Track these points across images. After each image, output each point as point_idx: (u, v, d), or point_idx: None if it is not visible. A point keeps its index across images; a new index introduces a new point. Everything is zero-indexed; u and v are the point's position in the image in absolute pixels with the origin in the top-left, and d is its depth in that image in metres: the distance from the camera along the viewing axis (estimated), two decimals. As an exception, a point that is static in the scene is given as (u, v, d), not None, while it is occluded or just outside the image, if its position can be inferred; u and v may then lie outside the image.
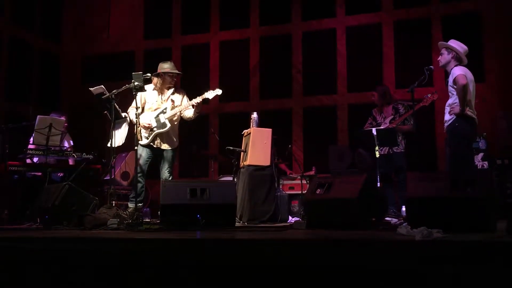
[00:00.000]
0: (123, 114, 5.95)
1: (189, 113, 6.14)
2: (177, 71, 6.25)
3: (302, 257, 3.01)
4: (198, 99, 5.99)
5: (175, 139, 6.20)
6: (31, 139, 7.16)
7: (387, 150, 6.89)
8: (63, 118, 7.10)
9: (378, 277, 2.75)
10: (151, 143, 6.08)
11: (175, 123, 6.22)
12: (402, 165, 6.81)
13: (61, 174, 7.08)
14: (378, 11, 9.54)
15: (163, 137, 6.11)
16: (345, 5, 9.73)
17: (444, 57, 5.59)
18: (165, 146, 6.12)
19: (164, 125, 6.05)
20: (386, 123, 6.88)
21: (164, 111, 6.09)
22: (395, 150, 6.84)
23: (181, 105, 6.13)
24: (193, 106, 6.05)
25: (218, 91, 6.07)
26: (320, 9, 9.90)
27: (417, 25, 9.24)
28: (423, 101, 6.40)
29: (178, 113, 6.14)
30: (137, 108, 5.54)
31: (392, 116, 6.90)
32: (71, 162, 7.22)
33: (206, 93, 6.04)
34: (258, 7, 10.27)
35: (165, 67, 6.16)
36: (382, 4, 9.52)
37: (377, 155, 6.14)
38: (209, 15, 10.59)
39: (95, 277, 3.19)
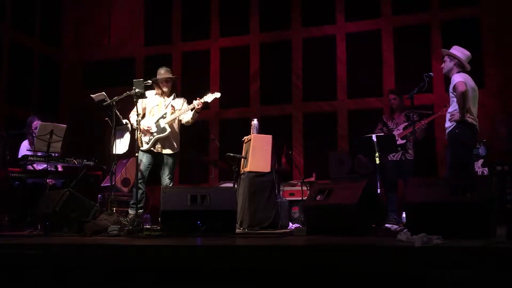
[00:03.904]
0: (124, 121, 5.97)
1: (187, 117, 6.15)
2: (170, 75, 6.25)
3: (303, 263, 3.02)
4: (198, 103, 5.99)
5: (176, 144, 6.20)
6: (26, 142, 7.19)
7: (399, 156, 6.90)
8: (64, 125, 7.10)
9: (378, 283, 2.75)
10: (152, 148, 6.09)
11: (176, 128, 6.22)
12: (410, 172, 6.80)
13: (62, 181, 7.08)
14: (378, 18, 9.57)
15: (164, 142, 6.12)
16: (345, 11, 9.76)
17: (447, 65, 5.63)
18: (166, 151, 6.13)
19: (164, 130, 6.07)
20: (399, 130, 6.91)
21: (164, 116, 6.11)
22: (407, 157, 6.85)
23: (181, 109, 6.14)
24: (191, 109, 6.07)
25: (217, 94, 6.08)
26: (320, 16, 9.93)
27: (416, 31, 9.26)
28: (443, 111, 6.40)
29: (178, 118, 6.16)
30: (138, 114, 5.56)
31: (406, 124, 6.91)
32: (72, 168, 7.21)
33: (205, 97, 6.04)
34: (258, 13, 10.30)
35: (162, 72, 6.23)
36: (382, 10, 9.54)
37: (377, 161, 6.17)
38: (209, 22, 10.62)
39: (95, 283, 3.19)
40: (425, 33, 9.17)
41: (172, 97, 6.24)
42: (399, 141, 6.89)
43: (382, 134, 6.85)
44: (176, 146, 6.21)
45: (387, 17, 9.50)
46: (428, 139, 8.62)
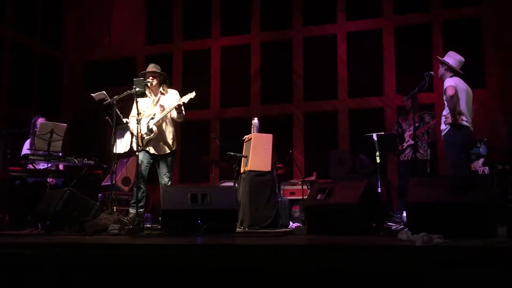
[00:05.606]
0: (125, 120, 5.96)
1: (174, 114, 6.13)
2: (155, 70, 6.20)
3: (303, 262, 3.02)
4: (175, 105, 5.97)
5: (169, 143, 6.15)
6: (27, 143, 7.19)
7: (410, 156, 6.89)
8: (64, 124, 7.10)
9: (379, 283, 2.75)
10: (147, 149, 6.07)
11: (168, 126, 6.17)
12: (424, 172, 6.80)
13: (63, 180, 7.09)
14: (379, 17, 9.57)
15: (155, 142, 6.08)
16: (345, 11, 9.76)
17: (440, 70, 5.87)
18: (159, 151, 6.11)
19: (151, 131, 6.00)
20: (410, 131, 6.94)
21: (153, 116, 6.07)
22: (419, 157, 6.84)
23: (170, 107, 6.09)
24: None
25: (192, 94, 5.99)
26: (321, 15, 9.93)
27: (417, 30, 9.26)
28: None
29: (168, 116, 6.11)
30: (138, 113, 5.55)
31: (418, 124, 6.92)
32: (72, 167, 7.22)
33: (183, 98, 5.96)
34: (259, 12, 10.30)
35: (149, 66, 6.22)
36: (383, 9, 9.54)
37: (378, 160, 6.18)
38: (210, 21, 10.62)
39: (96, 282, 3.19)
40: (426, 32, 9.17)
41: (159, 95, 6.20)
42: (409, 142, 6.91)
43: (383, 133, 6.89)
44: (170, 145, 6.15)
45: (388, 17, 9.49)
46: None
